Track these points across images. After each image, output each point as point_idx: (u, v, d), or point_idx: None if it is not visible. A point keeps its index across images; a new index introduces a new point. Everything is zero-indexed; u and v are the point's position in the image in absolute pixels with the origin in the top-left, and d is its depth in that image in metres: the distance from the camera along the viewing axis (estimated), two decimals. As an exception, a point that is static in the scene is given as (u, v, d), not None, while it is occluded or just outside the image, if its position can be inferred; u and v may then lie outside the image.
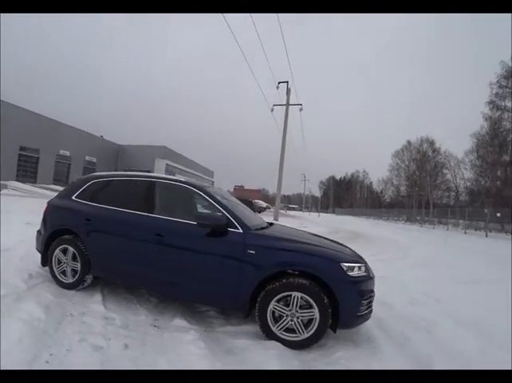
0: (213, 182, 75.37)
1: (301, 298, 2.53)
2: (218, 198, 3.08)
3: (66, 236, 3.36)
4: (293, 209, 68.95)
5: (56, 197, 3.72)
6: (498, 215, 20.62)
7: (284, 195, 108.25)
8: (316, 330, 2.51)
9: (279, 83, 16.83)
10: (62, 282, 3.34)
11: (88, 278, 3.31)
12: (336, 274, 2.54)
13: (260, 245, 2.69)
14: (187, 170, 59.30)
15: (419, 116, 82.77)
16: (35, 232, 3.76)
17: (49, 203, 3.66)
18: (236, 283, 2.68)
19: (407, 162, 44.05)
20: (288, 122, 16.24)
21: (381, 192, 58.22)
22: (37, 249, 3.65)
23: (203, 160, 68.86)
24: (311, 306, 2.51)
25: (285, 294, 2.55)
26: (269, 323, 2.59)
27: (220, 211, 2.91)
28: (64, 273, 3.35)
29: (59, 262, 3.37)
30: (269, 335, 2.59)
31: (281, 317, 2.59)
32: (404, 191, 46.40)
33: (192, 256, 2.83)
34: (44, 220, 3.58)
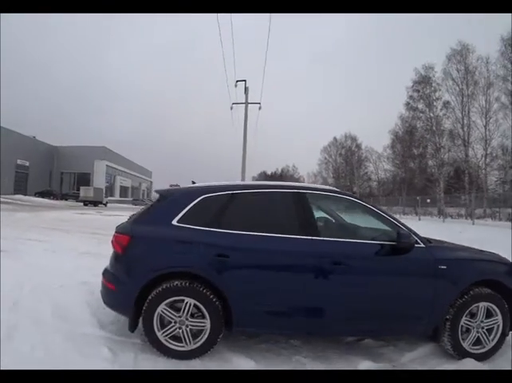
0: (151, 182, 71.05)
1: (487, 307, 2.47)
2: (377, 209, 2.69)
3: (177, 283, 2.30)
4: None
5: (137, 222, 2.53)
6: (428, 201, 24.41)
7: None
8: (498, 341, 2.50)
9: (237, 81, 16.64)
10: (175, 350, 2.32)
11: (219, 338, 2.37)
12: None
13: (449, 258, 2.50)
14: (127, 171, 54.43)
15: (348, 113, 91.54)
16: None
17: (132, 233, 2.43)
18: (429, 305, 2.44)
19: (333, 157, 48.51)
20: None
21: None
22: (112, 307, 2.50)
23: (140, 160, 67.52)
24: (492, 315, 2.48)
25: (473, 306, 2.45)
26: (461, 342, 2.45)
27: (397, 226, 2.53)
28: (176, 338, 2.32)
29: (166, 323, 2.33)
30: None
31: (468, 330, 2.49)
32: (332, 183, 50.66)
33: (379, 282, 2.44)
34: (127, 262, 2.43)
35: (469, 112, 24.88)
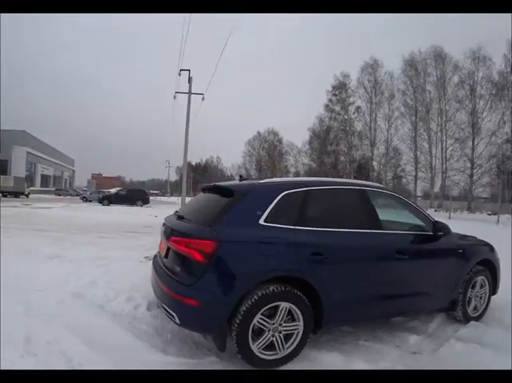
0: (73, 171, 60.94)
1: (481, 280, 3.23)
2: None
3: (273, 288, 2.15)
4: (155, 195, 65.66)
5: (220, 224, 2.16)
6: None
7: (140, 181, 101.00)
8: (487, 303, 3.33)
9: (181, 70, 15.64)
10: (269, 360, 2.17)
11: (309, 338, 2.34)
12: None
13: (463, 244, 3.15)
14: (49, 159, 46.35)
15: (273, 110, 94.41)
16: None
17: (220, 238, 2.09)
18: (455, 281, 3.03)
19: (257, 150, 50.33)
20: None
21: (233, 175, 63.97)
22: (194, 327, 2.25)
23: (63, 147, 63.01)
24: (483, 286, 3.26)
25: (473, 281, 3.15)
26: (467, 309, 3.13)
27: (430, 218, 3.00)
28: (268, 346, 2.18)
29: (259, 332, 2.16)
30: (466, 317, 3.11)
31: (470, 299, 3.16)
32: (254, 175, 52.54)
33: (427, 265, 2.91)
34: (216, 272, 2.10)
35: (376, 117, 29.24)
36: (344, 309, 2.46)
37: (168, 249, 2.47)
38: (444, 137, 25.98)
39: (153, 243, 5.30)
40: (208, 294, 2.07)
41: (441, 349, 2.58)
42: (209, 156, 75.57)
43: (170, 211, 4.12)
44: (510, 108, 22.25)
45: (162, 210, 17.53)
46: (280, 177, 4.14)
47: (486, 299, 3.31)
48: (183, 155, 16.75)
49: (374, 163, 30.71)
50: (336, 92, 32.38)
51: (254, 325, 2.11)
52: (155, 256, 3.01)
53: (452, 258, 3.01)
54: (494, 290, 3.37)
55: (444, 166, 26.35)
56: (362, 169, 32.08)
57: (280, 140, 49.15)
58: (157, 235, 3.28)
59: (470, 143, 24.79)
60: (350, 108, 32.12)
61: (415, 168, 27.73)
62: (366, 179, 28.93)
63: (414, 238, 2.85)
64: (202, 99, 17.78)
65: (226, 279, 2.12)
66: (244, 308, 2.07)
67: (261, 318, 2.13)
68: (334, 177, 37.03)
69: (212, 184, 2.73)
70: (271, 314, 2.17)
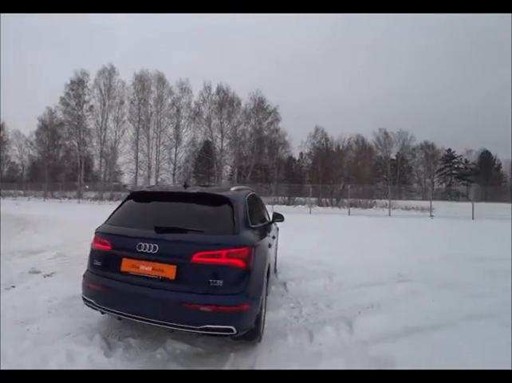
0: None
1: None
2: None
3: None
4: None
5: (239, 232, 2.35)
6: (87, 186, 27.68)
7: None
8: None
9: None
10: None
11: None
12: None
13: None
14: None
15: None
16: None
17: (252, 244, 2.38)
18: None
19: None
20: None
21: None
22: (247, 328, 2.25)
23: None
24: None
25: None
26: None
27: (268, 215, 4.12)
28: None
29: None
30: None
31: None
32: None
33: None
34: (252, 274, 2.28)
35: (107, 118, 32.10)
36: None
37: (177, 268, 2.19)
38: (159, 143, 32.98)
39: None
40: (253, 295, 2.27)
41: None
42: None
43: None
44: (201, 128, 32.71)
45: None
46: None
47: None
48: None
49: (97, 160, 33.10)
50: (74, 87, 32.69)
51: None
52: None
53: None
54: None
55: (158, 166, 33.29)
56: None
57: (2, 126, 40.73)
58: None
59: (174, 149, 33.53)
60: (85, 105, 33.18)
61: (136, 166, 33.39)
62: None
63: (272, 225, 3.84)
64: None
65: (258, 278, 2.38)
66: (263, 297, 2.51)
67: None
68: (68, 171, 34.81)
69: (196, 192, 2.71)
70: None
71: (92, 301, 2.39)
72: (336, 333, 2.68)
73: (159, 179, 32.81)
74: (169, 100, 32.84)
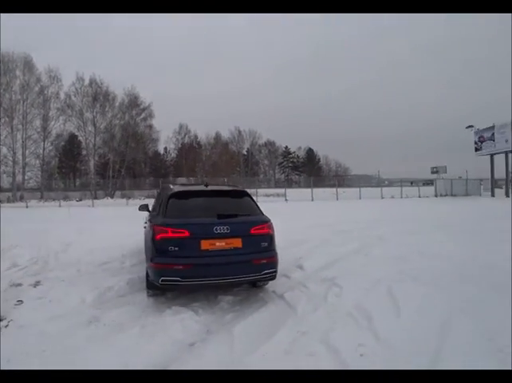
0: None
1: None
2: None
3: None
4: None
5: (262, 213, 3.64)
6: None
7: None
8: None
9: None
10: None
11: None
12: None
13: None
14: None
15: None
16: None
17: (270, 220, 3.53)
18: None
19: None
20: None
21: None
22: None
23: None
24: None
25: None
26: None
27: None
28: None
29: None
30: None
31: None
32: None
33: None
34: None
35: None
36: None
37: (242, 240, 3.22)
38: (25, 136, 28.12)
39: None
40: (276, 251, 3.47)
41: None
42: None
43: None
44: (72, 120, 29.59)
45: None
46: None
47: None
48: None
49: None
50: None
51: None
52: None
53: None
54: None
55: (24, 162, 28.57)
56: None
57: None
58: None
59: (42, 144, 29.32)
60: None
61: (-1, 161, 27.96)
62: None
63: None
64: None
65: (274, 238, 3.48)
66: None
67: None
68: None
69: (230, 189, 4.14)
70: None
71: (178, 278, 3.01)
72: (299, 272, 4.43)
73: (26, 177, 28.92)
74: (36, 89, 28.12)
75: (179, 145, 40.93)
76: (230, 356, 2.37)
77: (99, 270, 4.64)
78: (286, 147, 59.51)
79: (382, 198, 23.03)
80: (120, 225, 8.58)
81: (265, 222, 3.42)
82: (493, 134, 24.05)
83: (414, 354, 2.30)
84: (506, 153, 23.77)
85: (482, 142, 25.17)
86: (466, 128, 26.47)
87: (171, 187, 3.88)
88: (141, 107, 31.07)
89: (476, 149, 25.76)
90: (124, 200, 22.27)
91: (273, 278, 3.37)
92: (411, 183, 35.20)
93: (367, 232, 7.62)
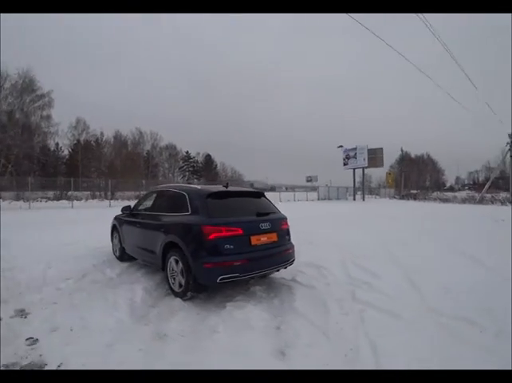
0: None
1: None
2: None
3: None
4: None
5: (279, 211, 4.10)
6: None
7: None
8: None
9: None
10: None
11: None
12: None
13: None
14: None
15: None
16: None
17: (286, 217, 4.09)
18: None
19: None
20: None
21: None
22: None
23: None
24: None
25: None
26: None
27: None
28: None
29: None
30: None
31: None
32: None
33: None
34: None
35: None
36: None
37: (277, 234, 3.68)
38: None
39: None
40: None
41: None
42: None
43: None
44: None
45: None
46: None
47: None
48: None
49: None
50: None
51: None
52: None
53: None
54: None
55: None
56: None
57: None
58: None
59: None
60: None
61: None
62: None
63: None
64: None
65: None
66: None
67: None
68: None
69: (254, 191, 4.19)
70: None
71: (237, 274, 3.15)
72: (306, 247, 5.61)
73: None
74: None
75: (75, 141, 36.22)
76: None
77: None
78: (187, 151, 60.30)
79: (280, 201, 26.76)
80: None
81: (286, 218, 3.95)
82: (355, 153, 32.26)
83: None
84: (363, 168, 32.35)
85: (348, 159, 33.25)
86: (338, 147, 34.37)
87: (196, 187, 3.88)
88: (38, 93, 26.67)
89: (344, 164, 33.78)
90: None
91: (292, 263, 3.86)
92: (290, 188, 42.21)
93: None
